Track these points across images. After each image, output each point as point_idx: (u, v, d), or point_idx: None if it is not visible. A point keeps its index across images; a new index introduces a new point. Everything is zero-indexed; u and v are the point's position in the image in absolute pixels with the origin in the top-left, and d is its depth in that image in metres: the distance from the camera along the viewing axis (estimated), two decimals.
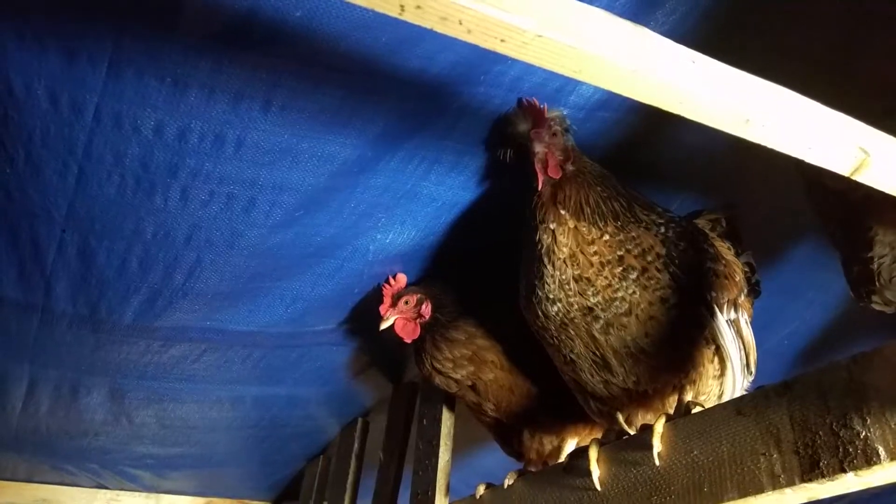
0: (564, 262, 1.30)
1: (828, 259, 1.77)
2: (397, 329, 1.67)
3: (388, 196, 1.50)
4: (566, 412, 1.61)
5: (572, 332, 1.34)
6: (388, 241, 1.60)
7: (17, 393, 2.09)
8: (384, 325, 1.66)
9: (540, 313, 1.35)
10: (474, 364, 1.65)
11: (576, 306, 1.30)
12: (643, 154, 1.60)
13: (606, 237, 1.30)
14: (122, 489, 2.76)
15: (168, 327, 1.74)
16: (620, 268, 1.29)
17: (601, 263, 1.29)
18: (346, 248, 1.59)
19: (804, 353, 2.17)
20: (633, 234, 1.31)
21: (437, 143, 1.41)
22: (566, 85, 1.37)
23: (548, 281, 1.32)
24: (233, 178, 1.34)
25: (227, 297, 1.65)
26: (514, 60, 1.24)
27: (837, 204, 1.26)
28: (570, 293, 1.30)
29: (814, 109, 0.82)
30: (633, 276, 1.28)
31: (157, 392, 2.07)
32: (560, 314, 1.32)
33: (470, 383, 1.67)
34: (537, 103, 1.36)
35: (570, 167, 1.38)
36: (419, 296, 1.67)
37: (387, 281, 1.68)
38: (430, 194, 1.52)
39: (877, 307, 1.30)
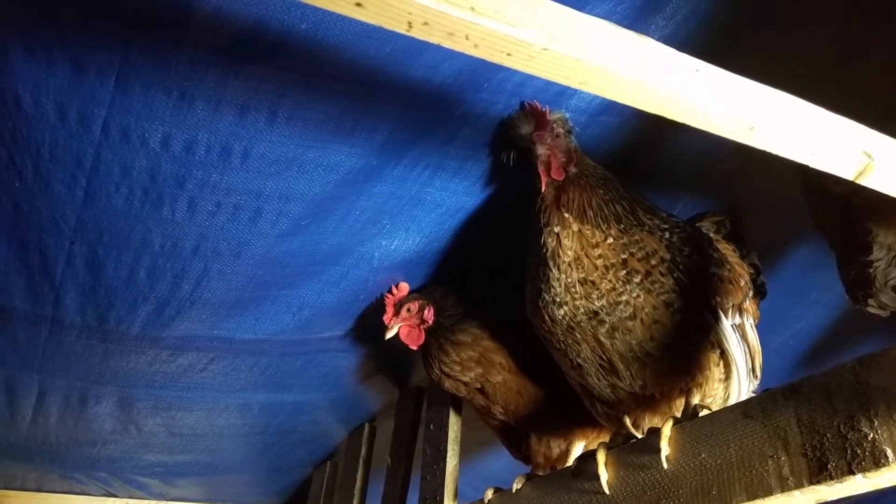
0: (570, 265, 1.31)
1: (832, 259, 1.77)
2: (402, 336, 1.69)
3: (392, 203, 1.51)
4: (574, 415, 1.61)
5: (578, 336, 1.34)
6: (392, 247, 1.61)
7: (26, 403, 2.10)
8: (389, 335, 1.68)
9: (546, 317, 1.36)
10: (482, 366, 1.66)
11: (581, 310, 1.31)
12: (647, 158, 1.61)
13: (610, 240, 1.31)
14: (130, 497, 2.77)
15: (176, 336, 1.75)
16: (624, 271, 1.29)
17: (605, 267, 1.30)
18: (351, 255, 1.61)
19: (809, 354, 2.17)
20: (637, 237, 1.32)
21: (441, 149, 1.42)
22: (567, 89, 1.37)
23: (553, 285, 1.32)
24: (239, 189, 1.35)
25: (234, 305, 1.66)
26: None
27: (838, 207, 1.26)
28: (576, 296, 1.31)
29: (817, 115, 0.83)
30: (637, 279, 1.29)
31: (165, 401, 2.08)
32: (566, 318, 1.33)
33: (479, 386, 1.68)
34: (539, 106, 1.37)
35: (572, 169, 1.39)
36: (421, 302, 1.68)
37: (389, 290, 1.70)
38: (434, 200, 1.53)
39: (872, 310, 1.31)
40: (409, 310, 1.68)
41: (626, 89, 0.72)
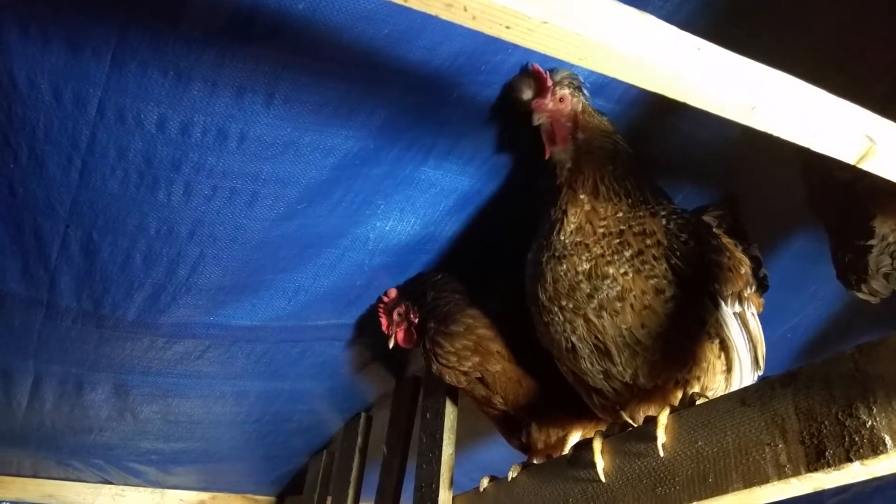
0: (573, 232, 1.31)
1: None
2: (399, 341, 1.75)
3: (387, 183, 1.49)
4: (573, 405, 1.61)
5: (572, 306, 1.31)
6: (387, 228, 1.59)
7: (22, 389, 2.09)
8: (392, 343, 1.73)
9: (549, 278, 1.32)
10: (479, 354, 1.65)
11: (579, 268, 1.29)
12: (646, 147, 1.59)
13: (620, 214, 1.30)
14: (126, 484, 2.76)
15: (171, 323, 1.74)
16: (618, 240, 1.28)
17: (602, 234, 1.29)
18: (346, 237, 1.59)
19: (808, 347, 2.16)
20: (640, 213, 1.31)
21: (438, 130, 1.41)
22: (560, 64, 1.34)
23: (555, 243, 1.32)
24: (235, 173, 1.34)
25: (230, 291, 1.65)
26: (514, 49, 1.25)
27: (839, 190, 1.25)
28: (572, 253, 1.30)
29: (820, 97, 0.82)
30: (627, 254, 1.26)
31: (161, 388, 2.07)
32: (568, 275, 1.30)
33: (478, 375, 1.67)
34: (541, 70, 1.32)
35: (579, 135, 1.35)
36: (406, 303, 1.72)
37: (380, 300, 1.75)
38: (428, 180, 1.52)
39: (862, 296, 1.31)
40: (399, 314, 1.73)
41: (626, 66, 0.71)
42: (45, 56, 1.10)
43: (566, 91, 1.34)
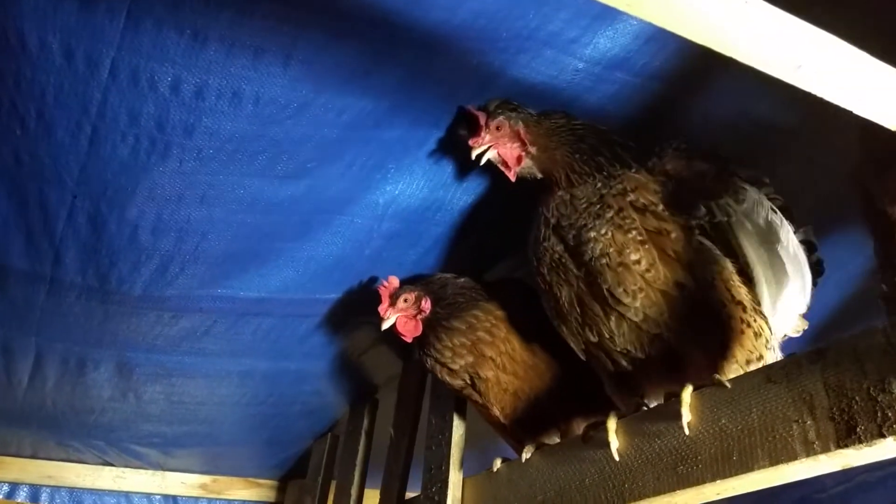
0: (556, 218, 1.38)
1: (842, 236, 1.74)
2: (399, 327, 1.65)
3: (399, 147, 1.46)
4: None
5: (564, 279, 1.35)
6: (397, 192, 1.55)
7: (23, 367, 2.05)
8: (385, 325, 1.64)
9: (546, 259, 1.37)
10: (473, 355, 1.59)
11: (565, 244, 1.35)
12: (662, 126, 1.57)
13: (599, 184, 1.34)
14: (127, 466, 2.72)
15: (178, 296, 1.70)
16: (598, 206, 1.31)
17: (584, 208, 1.33)
18: (356, 202, 1.55)
19: (818, 332, 2.14)
20: (618, 175, 1.34)
21: (452, 94, 1.39)
22: (582, 36, 1.31)
23: (544, 233, 1.38)
24: (250, 136, 1.31)
25: (238, 259, 1.61)
26: (534, 13, 1.22)
27: (881, 220, 1.21)
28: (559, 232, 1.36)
29: (866, 60, 0.81)
30: (608, 215, 1.29)
31: (165, 366, 2.03)
32: (556, 251, 1.36)
33: (467, 378, 1.62)
34: (470, 110, 1.39)
35: (532, 149, 1.40)
36: (418, 292, 1.64)
37: (381, 283, 1.68)
38: (441, 146, 1.49)
39: None
40: (405, 300, 1.64)
41: (673, 15, 0.69)
42: (57, 13, 1.06)
43: (501, 118, 1.39)
